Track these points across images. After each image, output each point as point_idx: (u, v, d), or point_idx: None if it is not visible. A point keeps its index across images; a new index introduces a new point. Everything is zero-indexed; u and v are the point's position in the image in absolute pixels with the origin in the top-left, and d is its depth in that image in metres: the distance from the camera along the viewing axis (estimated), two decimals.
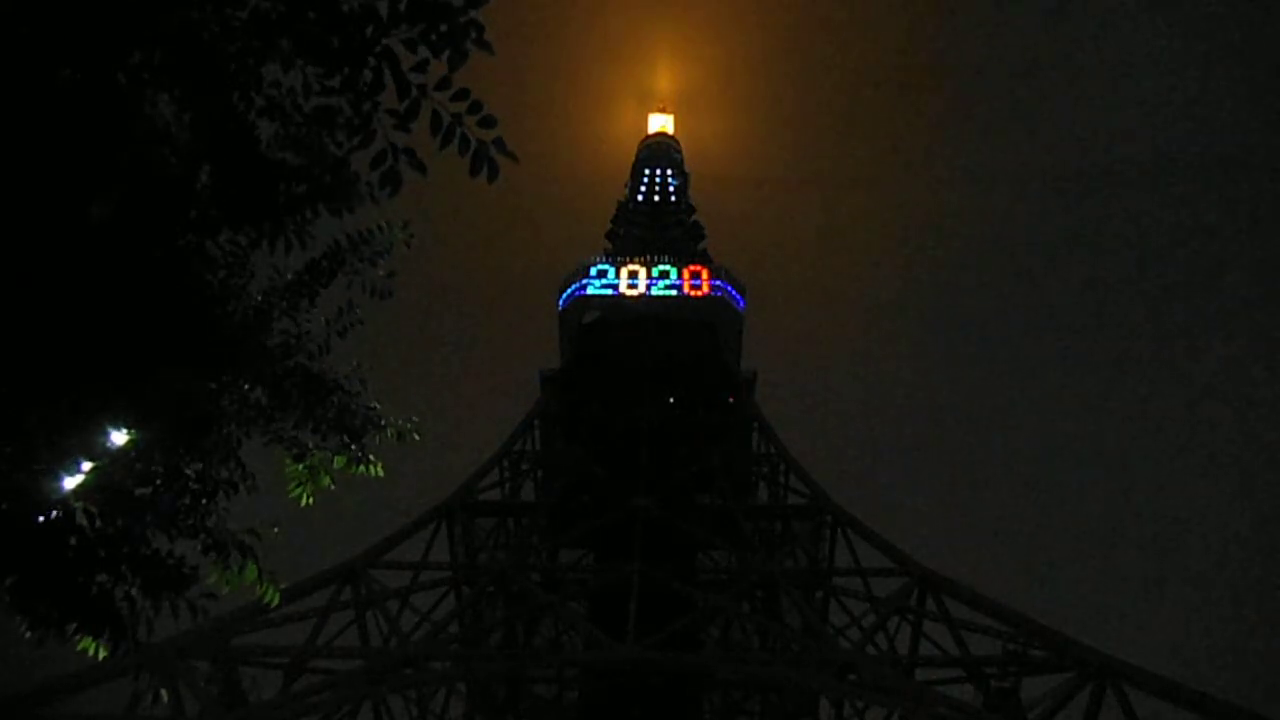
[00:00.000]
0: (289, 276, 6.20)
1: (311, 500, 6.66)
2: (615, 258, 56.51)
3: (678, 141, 71.92)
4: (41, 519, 5.10)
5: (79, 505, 5.22)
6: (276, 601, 6.09)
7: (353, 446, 6.60)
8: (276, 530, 6.23)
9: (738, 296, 55.02)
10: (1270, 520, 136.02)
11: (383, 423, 6.72)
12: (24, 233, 4.56)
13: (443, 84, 4.55)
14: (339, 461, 6.63)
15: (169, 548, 5.62)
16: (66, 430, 5.10)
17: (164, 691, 26.62)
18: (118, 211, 4.69)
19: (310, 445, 6.54)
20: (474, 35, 4.49)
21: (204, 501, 5.96)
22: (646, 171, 67.41)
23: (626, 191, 67.12)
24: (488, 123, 4.60)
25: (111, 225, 4.69)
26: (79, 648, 5.34)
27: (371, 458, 6.71)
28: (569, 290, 54.94)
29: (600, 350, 52.46)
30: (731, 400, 51.82)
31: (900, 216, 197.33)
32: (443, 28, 4.43)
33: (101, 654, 5.40)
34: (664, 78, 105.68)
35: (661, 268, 54.52)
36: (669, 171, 67.42)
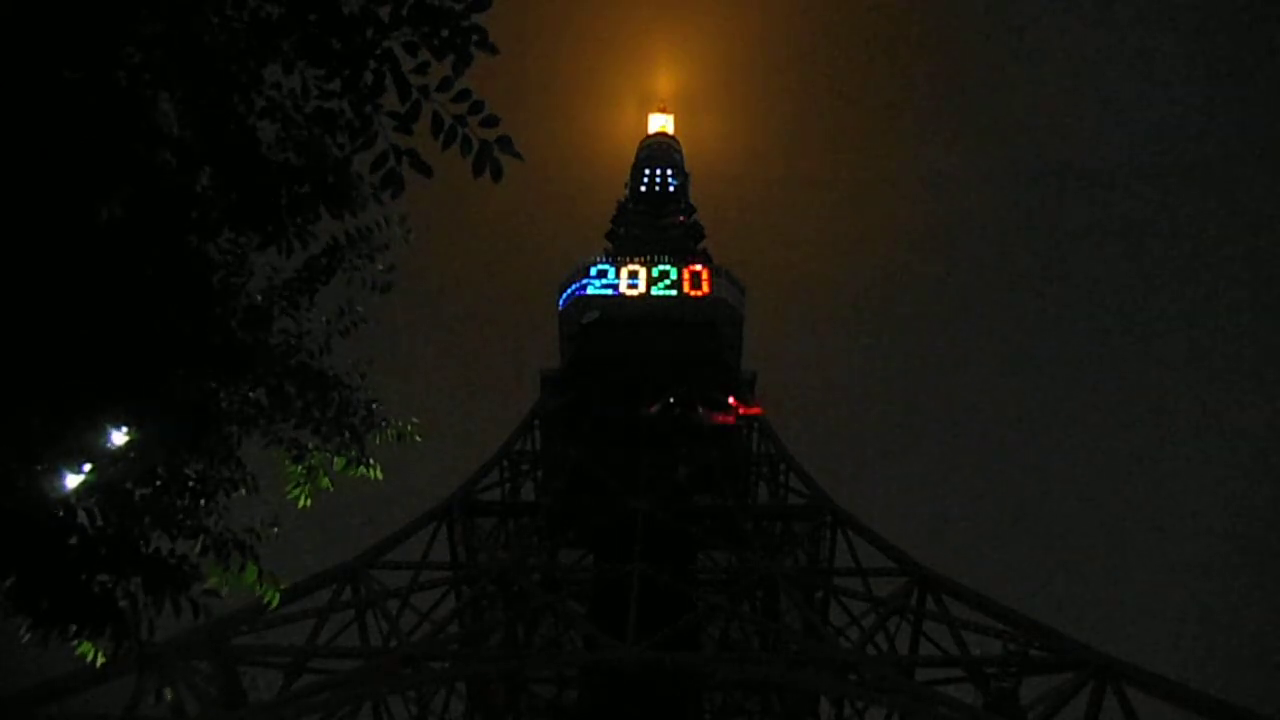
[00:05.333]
0: (289, 275, 6.20)
1: (310, 503, 6.66)
2: (615, 258, 56.47)
3: (678, 141, 71.85)
4: (41, 519, 5.09)
5: (79, 505, 5.21)
6: (276, 603, 6.09)
7: (353, 448, 6.60)
8: (276, 530, 6.23)
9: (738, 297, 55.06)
10: (1271, 519, 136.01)
11: (383, 422, 6.72)
12: (27, 233, 4.56)
13: (444, 85, 4.55)
14: (338, 463, 6.63)
15: (170, 547, 5.63)
16: (66, 430, 5.10)
17: (166, 691, 26.62)
18: (125, 212, 4.69)
19: (310, 446, 6.54)
20: (476, 39, 4.50)
21: (204, 501, 5.96)
22: (647, 171, 67.34)
23: (627, 191, 67.08)
24: (490, 122, 4.60)
25: (116, 226, 4.69)
26: (78, 652, 5.33)
27: (371, 460, 6.71)
28: (569, 290, 54.91)
29: (600, 350, 52.44)
30: (732, 401, 51.82)
31: (900, 216, 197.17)
32: (444, 32, 4.44)
33: (100, 659, 5.40)
34: (664, 78, 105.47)
35: (661, 267, 54.48)
36: (669, 171, 67.34)
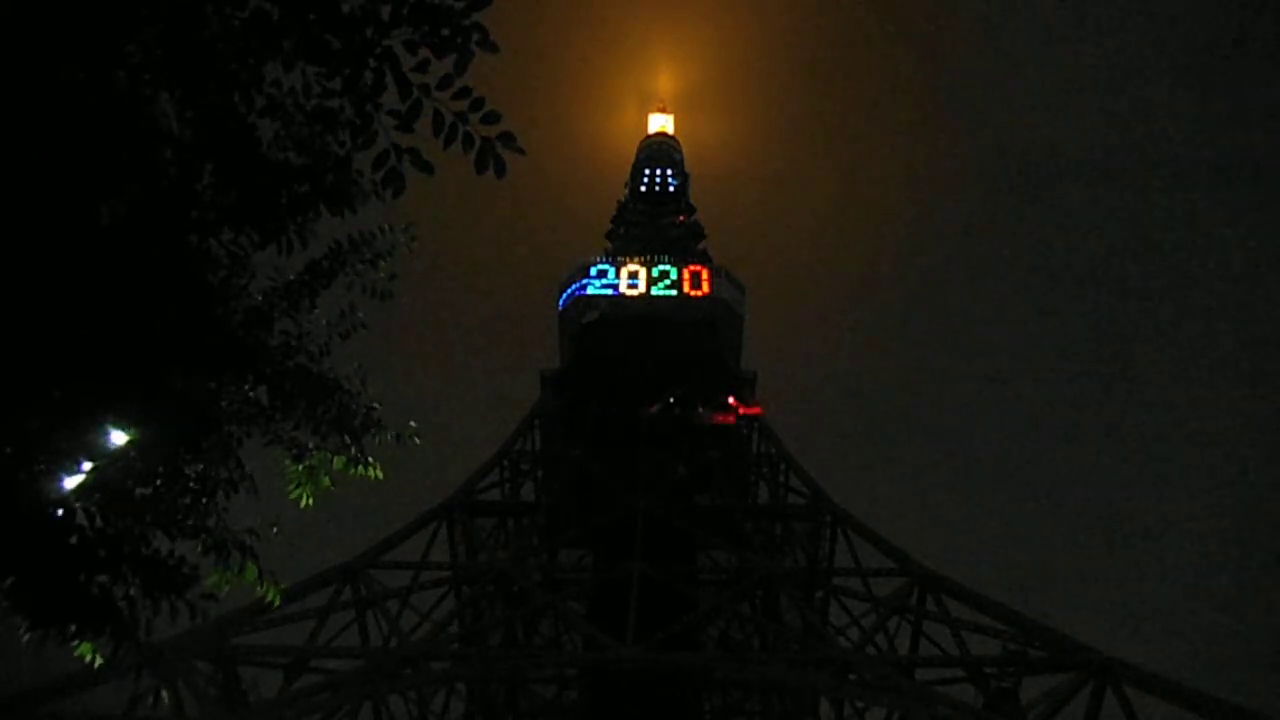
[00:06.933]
0: (289, 277, 6.20)
1: (312, 501, 6.66)
2: (615, 258, 56.43)
3: (678, 141, 71.82)
4: (41, 519, 5.08)
5: (79, 505, 5.21)
6: (278, 602, 6.10)
7: (352, 448, 6.59)
8: (276, 530, 6.22)
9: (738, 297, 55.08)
10: (1270, 519, 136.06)
11: (383, 423, 6.71)
12: (28, 233, 4.55)
13: (444, 83, 4.55)
14: (339, 463, 6.63)
15: (169, 548, 5.62)
16: (66, 430, 5.09)
17: (165, 692, 26.64)
18: (126, 212, 4.68)
19: (310, 446, 6.53)
20: (476, 37, 4.49)
21: (204, 501, 5.96)
22: (647, 171, 67.34)
23: (626, 191, 67.07)
24: (491, 119, 4.59)
25: (116, 226, 4.68)
26: (77, 653, 5.33)
27: (371, 459, 6.70)
28: (569, 290, 54.90)
29: (600, 350, 52.40)
30: (732, 401, 51.81)
31: (901, 215, 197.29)
32: (445, 31, 4.43)
33: (99, 659, 5.39)
34: (664, 78, 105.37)
35: (662, 268, 54.45)
36: (669, 171, 67.30)
